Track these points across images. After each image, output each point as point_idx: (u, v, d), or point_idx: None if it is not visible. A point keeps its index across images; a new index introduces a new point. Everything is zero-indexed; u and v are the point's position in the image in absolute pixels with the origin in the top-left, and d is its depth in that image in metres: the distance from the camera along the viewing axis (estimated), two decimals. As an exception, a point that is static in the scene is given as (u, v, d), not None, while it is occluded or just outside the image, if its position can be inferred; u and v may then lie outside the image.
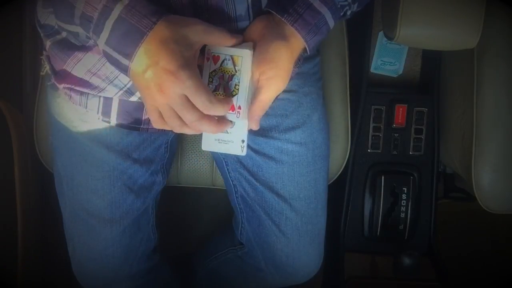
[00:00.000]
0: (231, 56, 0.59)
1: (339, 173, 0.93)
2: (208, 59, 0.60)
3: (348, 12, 0.62)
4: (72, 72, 0.67)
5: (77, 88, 0.68)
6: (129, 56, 0.53)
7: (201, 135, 0.65)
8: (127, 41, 0.53)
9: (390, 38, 0.84)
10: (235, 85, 0.59)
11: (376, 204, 1.05)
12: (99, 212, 0.74)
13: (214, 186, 0.93)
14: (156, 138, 0.76)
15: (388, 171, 1.05)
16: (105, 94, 0.68)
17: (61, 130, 0.73)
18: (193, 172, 0.91)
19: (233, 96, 0.60)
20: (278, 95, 0.62)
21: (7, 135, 0.88)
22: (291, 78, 0.61)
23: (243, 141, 0.63)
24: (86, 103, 0.69)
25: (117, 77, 0.66)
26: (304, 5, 0.58)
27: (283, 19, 0.59)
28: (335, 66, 0.92)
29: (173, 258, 1.00)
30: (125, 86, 0.67)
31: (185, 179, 0.92)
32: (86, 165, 0.73)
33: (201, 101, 0.54)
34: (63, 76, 0.69)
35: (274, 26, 0.60)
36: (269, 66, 0.58)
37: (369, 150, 1.06)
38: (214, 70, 0.60)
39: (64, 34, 0.66)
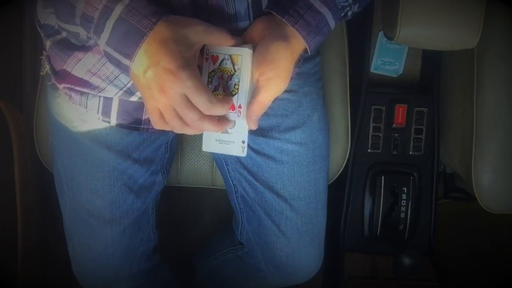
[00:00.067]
0: (230, 56, 0.59)
1: (339, 173, 0.93)
2: (207, 59, 0.60)
3: (349, 13, 0.62)
4: (72, 72, 0.67)
5: (77, 88, 0.68)
6: (129, 56, 0.53)
7: (201, 135, 0.65)
8: (128, 41, 0.53)
9: (390, 38, 0.84)
10: (235, 84, 0.60)
11: (376, 204, 1.05)
12: (99, 212, 0.74)
13: (214, 186, 0.93)
14: (156, 138, 0.76)
15: (388, 171, 1.05)
16: (105, 94, 0.68)
17: (61, 130, 0.73)
18: (193, 172, 0.91)
19: (233, 95, 0.60)
20: (278, 96, 0.62)
21: (7, 135, 0.88)
22: (291, 78, 0.61)
23: (243, 141, 0.63)
24: (86, 103, 0.69)
25: (117, 77, 0.66)
26: (305, 6, 0.58)
27: (283, 20, 0.59)
28: (335, 66, 0.92)
29: (173, 258, 1.00)
30: (125, 86, 0.67)
31: (185, 179, 0.92)
32: (86, 165, 0.73)
33: (201, 101, 0.54)
34: (63, 76, 0.69)
35: (274, 27, 0.60)
36: (269, 67, 0.58)
37: (369, 150, 1.06)
38: (213, 70, 0.60)
39: (64, 34, 0.66)
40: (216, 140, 0.64)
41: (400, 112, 1.04)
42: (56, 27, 0.66)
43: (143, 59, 0.53)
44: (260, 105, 0.60)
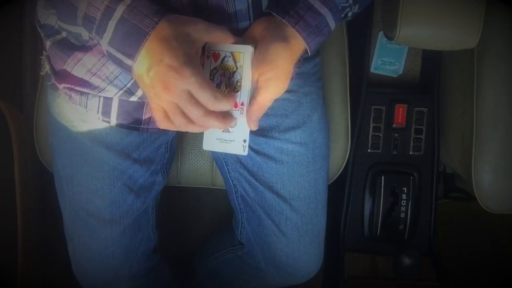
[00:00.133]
0: (232, 53, 0.59)
1: (339, 173, 0.93)
2: (208, 57, 0.60)
3: (349, 14, 0.62)
4: (72, 72, 0.67)
5: (77, 88, 0.68)
6: (132, 56, 0.53)
7: (201, 134, 0.65)
8: (130, 41, 0.53)
9: (390, 38, 0.84)
10: (237, 81, 0.59)
11: (376, 204, 1.06)
12: (99, 212, 0.74)
13: (214, 186, 0.93)
14: (156, 138, 0.76)
15: (388, 171, 1.05)
16: (105, 94, 0.68)
17: (61, 130, 0.73)
18: (193, 172, 0.91)
19: (235, 93, 0.60)
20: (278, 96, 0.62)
21: (7, 135, 0.88)
22: (291, 78, 0.61)
23: (244, 140, 0.63)
24: (86, 103, 0.69)
25: (117, 77, 0.66)
26: (305, 7, 0.58)
27: (284, 21, 0.59)
28: (335, 66, 0.92)
29: (173, 258, 1.00)
30: (125, 86, 0.67)
31: (185, 179, 0.92)
32: (86, 165, 0.73)
33: (206, 97, 0.54)
34: (63, 76, 0.69)
35: (274, 27, 0.60)
36: (269, 67, 0.58)
37: (369, 150, 1.06)
38: (215, 68, 0.60)
39: (64, 34, 0.66)
40: (217, 139, 0.64)
41: (400, 112, 1.04)
42: (56, 27, 0.66)
43: (145, 58, 0.53)
44: (259, 105, 0.60)
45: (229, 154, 0.79)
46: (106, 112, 0.70)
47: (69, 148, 0.74)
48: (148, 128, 0.72)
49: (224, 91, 0.60)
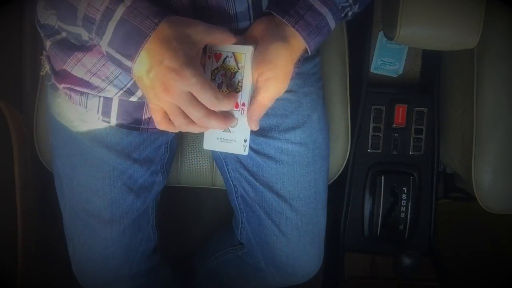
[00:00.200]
0: (233, 53, 0.59)
1: (339, 173, 0.93)
2: (209, 57, 0.60)
3: (349, 13, 0.62)
4: (72, 72, 0.67)
5: (77, 88, 0.68)
6: (131, 57, 0.53)
7: (201, 135, 0.65)
8: (130, 42, 0.53)
9: (390, 38, 0.84)
10: (238, 82, 0.59)
11: (376, 204, 1.06)
12: (99, 212, 0.74)
13: (214, 186, 0.93)
14: (156, 138, 0.76)
15: (388, 171, 1.05)
16: (105, 94, 0.68)
17: (61, 130, 0.73)
18: (193, 172, 0.91)
19: (236, 93, 0.60)
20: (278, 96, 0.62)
21: (7, 135, 0.88)
22: (291, 78, 0.61)
23: (245, 140, 0.63)
24: (86, 103, 0.69)
25: (117, 77, 0.66)
26: (305, 6, 0.58)
27: (284, 21, 0.59)
28: (335, 66, 0.92)
29: (173, 258, 1.00)
30: (125, 86, 0.67)
31: (185, 179, 0.92)
32: (86, 165, 0.73)
33: (207, 98, 0.54)
34: (63, 76, 0.69)
35: (274, 27, 0.60)
36: (268, 67, 0.58)
37: (369, 150, 1.06)
38: (216, 68, 0.60)
39: (64, 34, 0.66)
40: (218, 138, 0.64)
41: (400, 112, 1.04)
42: (56, 27, 0.66)
43: (145, 59, 0.53)
44: (259, 105, 0.60)
45: (229, 154, 0.79)
46: (106, 112, 0.70)
47: (69, 148, 0.74)
48: (148, 128, 0.72)
49: (226, 92, 0.60)
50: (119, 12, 0.53)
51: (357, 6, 0.62)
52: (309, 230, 0.79)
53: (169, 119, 0.57)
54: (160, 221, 0.86)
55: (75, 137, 0.72)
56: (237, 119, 0.61)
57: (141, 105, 0.70)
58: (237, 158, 0.79)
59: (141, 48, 0.52)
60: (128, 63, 0.54)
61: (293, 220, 0.78)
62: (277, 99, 0.61)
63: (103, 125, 0.71)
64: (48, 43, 0.69)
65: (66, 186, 0.76)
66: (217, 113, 0.56)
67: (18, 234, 0.89)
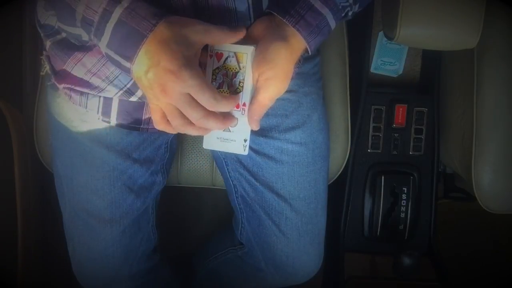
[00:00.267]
0: (235, 53, 0.59)
1: (339, 173, 0.93)
2: (211, 56, 0.60)
3: (350, 13, 0.62)
4: (72, 72, 0.67)
5: (77, 88, 0.68)
6: (130, 58, 0.53)
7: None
8: (128, 44, 0.53)
9: (390, 38, 0.84)
10: (239, 82, 0.59)
11: (376, 204, 1.05)
12: (99, 212, 0.74)
13: (214, 186, 0.93)
14: (156, 138, 0.76)
15: (388, 171, 1.05)
16: (105, 94, 0.68)
17: (61, 130, 0.73)
18: (193, 172, 0.91)
19: (237, 93, 0.60)
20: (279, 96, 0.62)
21: (7, 135, 0.88)
22: (292, 78, 0.61)
23: (245, 140, 0.63)
24: (86, 103, 0.69)
25: (117, 77, 0.66)
26: (305, 6, 0.58)
27: (284, 20, 0.59)
28: (335, 66, 0.92)
29: (173, 258, 1.00)
30: (125, 86, 0.67)
31: (185, 179, 0.92)
32: (86, 165, 0.73)
33: (206, 99, 0.54)
34: (63, 76, 0.69)
35: (275, 27, 0.60)
36: (268, 66, 0.58)
37: (369, 150, 1.06)
38: (218, 68, 0.60)
39: (64, 34, 0.66)
40: (218, 138, 0.63)
41: (400, 112, 1.04)
42: (56, 27, 0.66)
43: (143, 60, 0.53)
44: (259, 105, 0.60)
45: (229, 154, 0.79)
46: (106, 112, 0.70)
47: (69, 148, 0.74)
48: (148, 128, 0.72)
49: (225, 92, 0.60)
50: (117, 13, 0.53)
51: (357, 5, 0.62)
52: (309, 230, 0.79)
53: (168, 120, 0.57)
54: (160, 221, 0.86)
55: (75, 137, 0.72)
56: (237, 119, 0.61)
57: (141, 105, 0.70)
58: (237, 158, 0.79)
59: (138, 50, 0.52)
60: (127, 64, 0.54)
61: (293, 220, 0.78)
62: (277, 99, 0.61)
63: (103, 125, 0.71)
64: (48, 43, 0.69)
65: (66, 186, 0.76)
66: (216, 114, 0.56)
67: (18, 234, 0.89)
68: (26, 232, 0.91)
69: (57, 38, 0.67)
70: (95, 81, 0.67)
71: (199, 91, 0.53)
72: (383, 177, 1.04)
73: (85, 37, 0.63)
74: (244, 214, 0.82)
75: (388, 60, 1.08)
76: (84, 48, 0.65)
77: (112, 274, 0.79)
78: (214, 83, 0.60)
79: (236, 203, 0.83)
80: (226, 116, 0.59)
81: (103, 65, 0.65)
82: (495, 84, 0.88)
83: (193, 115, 0.54)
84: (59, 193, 0.79)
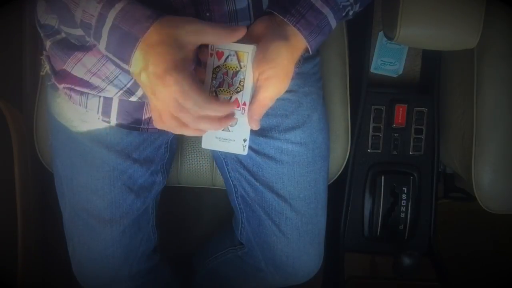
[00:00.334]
0: (236, 52, 0.58)
1: (339, 173, 0.93)
2: (211, 54, 0.59)
3: (350, 13, 0.62)
4: (72, 72, 0.67)
5: (77, 88, 0.68)
6: (126, 61, 0.54)
7: (201, 134, 0.65)
8: (123, 47, 0.53)
9: (390, 38, 0.84)
10: (240, 81, 0.59)
11: (376, 204, 1.05)
12: (99, 212, 0.74)
13: (214, 186, 0.93)
14: (156, 138, 0.76)
15: (388, 171, 1.05)
16: (105, 94, 0.68)
17: (61, 130, 0.73)
18: (193, 172, 0.91)
19: (237, 92, 0.59)
20: (279, 96, 0.62)
21: (7, 135, 0.88)
22: (292, 78, 0.61)
23: (245, 140, 0.63)
24: (86, 103, 0.69)
25: (117, 77, 0.66)
26: (306, 6, 0.58)
27: (285, 20, 0.58)
28: (335, 66, 0.92)
29: (173, 258, 1.00)
30: (125, 86, 0.67)
31: (185, 179, 0.92)
32: (86, 165, 0.73)
33: (189, 106, 0.53)
34: (63, 76, 0.69)
35: (275, 27, 0.60)
36: (269, 65, 0.58)
37: (369, 150, 1.06)
38: (218, 66, 0.59)
39: (64, 34, 0.66)
40: (217, 137, 0.63)
41: (400, 112, 1.04)
42: (56, 27, 0.66)
43: (138, 63, 0.53)
44: (260, 104, 0.60)
45: (229, 154, 0.79)
46: (106, 112, 0.70)
47: (69, 148, 0.74)
48: (148, 128, 0.72)
49: (225, 91, 0.59)
50: (111, 17, 0.53)
51: (358, 5, 0.62)
52: (309, 230, 0.79)
53: None
54: (160, 221, 0.86)
55: (75, 137, 0.72)
56: (236, 118, 0.61)
57: (141, 105, 0.70)
58: (237, 158, 0.79)
59: (133, 53, 0.53)
60: (125, 66, 0.54)
61: (293, 220, 0.78)
62: (277, 99, 0.61)
63: (103, 125, 0.71)
64: (48, 43, 0.69)
65: (66, 186, 0.76)
66: (209, 116, 0.56)
67: (18, 234, 0.89)
68: (26, 232, 0.91)
69: (57, 38, 0.67)
70: (95, 81, 0.67)
71: (181, 98, 0.53)
72: (383, 177, 1.04)
73: (88, 37, 0.63)
74: (244, 214, 0.82)
75: (388, 60, 1.08)
76: (84, 48, 0.65)
77: (112, 274, 0.79)
78: (214, 81, 0.60)
79: (236, 203, 0.83)
80: (221, 118, 0.58)
81: (103, 65, 0.65)
82: (495, 84, 0.88)
83: (184, 118, 0.55)
84: (59, 193, 0.79)
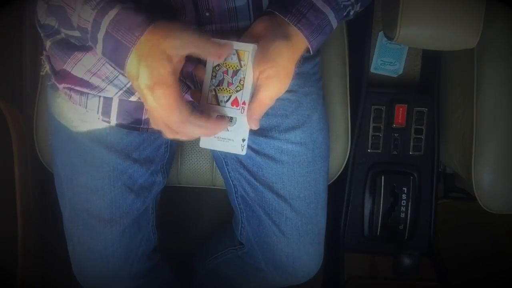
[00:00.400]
0: (237, 51, 0.58)
1: (339, 173, 0.93)
2: None
3: (351, 12, 0.62)
4: (72, 72, 0.67)
5: (77, 88, 0.68)
6: (121, 66, 0.54)
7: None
8: (117, 54, 0.54)
9: (390, 38, 0.84)
10: (240, 80, 0.59)
11: (376, 204, 1.05)
12: (99, 212, 0.74)
13: (214, 186, 0.93)
14: (156, 138, 0.76)
15: (388, 171, 1.05)
16: (105, 94, 0.68)
17: (61, 130, 0.73)
18: (193, 172, 0.91)
19: (237, 91, 0.59)
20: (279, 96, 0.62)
21: (7, 135, 0.88)
22: (292, 78, 0.61)
23: (243, 140, 0.62)
24: (86, 103, 0.69)
25: (117, 77, 0.66)
26: (307, 5, 0.58)
27: (286, 19, 0.58)
28: (335, 66, 0.92)
29: (173, 258, 1.00)
30: (125, 86, 0.67)
31: (185, 179, 0.92)
32: (86, 165, 0.73)
33: (171, 121, 0.54)
34: (63, 76, 0.69)
35: (275, 26, 0.60)
36: (269, 64, 0.58)
37: (369, 150, 1.06)
38: (218, 65, 0.59)
39: (63, 34, 0.66)
40: (215, 137, 0.63)
41: (400, 112, 1.04)
42: (56, 27, 0.66)
43: (132, 69, 0.53)
44: (260, 104, 0.59)
45: (229, 154, 0.79)
46: (106, 112, 0.70)
47: (69, 148, 0.74)
48: (148, 128, 0.72)
49: (225, 90, 0.59)
50: (104, 25, 0.53)
51: (359, 5, 0.62)
52: (309, 230, 0.79)
53: None
54: (160, 221, 0.86)
55: (75, 137, 0.72)
56: (229, 122, 0.61)
57: (141, 105, 0.70)
58: (237, 158, 0.79)
59: (126, 61, 0.53)
60: (121, 70, 0.55)
61: (293, 220, 0.77)
62: (277, 99, 0.61)
63: (103, 125, 0.71)
64: (48, 43, 0.69)
65: (66, 186, 0.76)
66: (198, 123, 0.56)
67: (18, 234, 0.89)
68: (26, 232, 0.91)
69: (57, 38, 0.67)
70: (95, 81, 0.67)
71: (165, 113, 0.54)
72: (383, 177, 1.04)
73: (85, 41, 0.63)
74: (244, 214, 0.82)
75: (388, 60, 1.08)
76: (84, 48, 0.65)
77: (112, 274, 0.79)
78: (214, 80, 0.59)
79: (236, 203, 0.83)
80: (214, 124, 0.58)
81: (103, 65, 0.65)
82: (495, 84, 0.88)
83: (173, 127, 0.55)
84: (59, 193, 0.79)
